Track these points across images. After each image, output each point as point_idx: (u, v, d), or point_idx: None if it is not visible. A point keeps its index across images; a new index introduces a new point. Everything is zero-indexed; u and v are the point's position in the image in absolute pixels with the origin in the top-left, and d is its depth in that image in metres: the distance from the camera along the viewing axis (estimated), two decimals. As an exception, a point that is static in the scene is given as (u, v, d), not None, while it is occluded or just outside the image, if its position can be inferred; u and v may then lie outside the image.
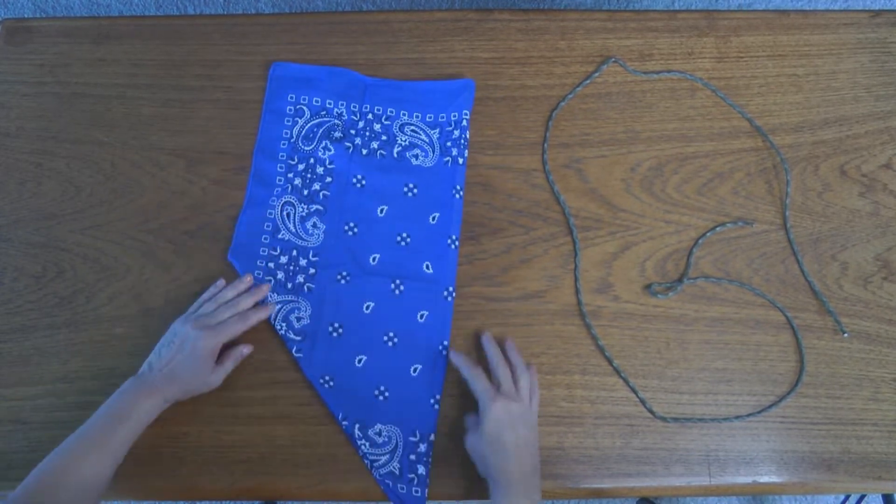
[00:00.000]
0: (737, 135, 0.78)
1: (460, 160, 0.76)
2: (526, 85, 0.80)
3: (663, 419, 0.67)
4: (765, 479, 0.66)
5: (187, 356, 0.62)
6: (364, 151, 0.76)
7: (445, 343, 0.69)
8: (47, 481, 0.53)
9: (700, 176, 0.76)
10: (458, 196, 0.74)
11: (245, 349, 0.67)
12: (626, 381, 0.68)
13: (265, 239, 0.73)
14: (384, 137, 0.77)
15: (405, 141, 0.77)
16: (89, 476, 0.55)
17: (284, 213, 0.74)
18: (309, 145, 0.76)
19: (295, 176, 0.75)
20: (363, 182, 0.75)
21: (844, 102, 0.80)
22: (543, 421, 0.66)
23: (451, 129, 0.77)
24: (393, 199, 0.75)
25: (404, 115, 0.78)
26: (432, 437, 0.66)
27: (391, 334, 0.69)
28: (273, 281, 0.71)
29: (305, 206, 0.74)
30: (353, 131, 0.77)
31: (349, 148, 0.76)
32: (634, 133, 0.78)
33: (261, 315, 0.68)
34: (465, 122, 0.77)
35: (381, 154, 0.76)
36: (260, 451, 0.65)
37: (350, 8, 1.22)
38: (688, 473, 0.66)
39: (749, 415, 0.67)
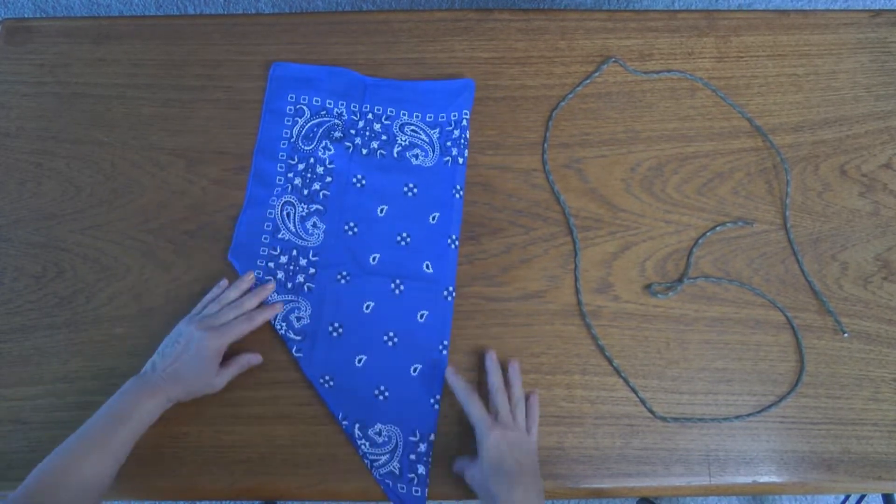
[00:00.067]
0: (737, 135, 0.78)
1: (460, 160, 0.76)
2: (526, 85, 0.80)
3: (663, 419, 0.67)
4: (765, 479, 0.66)
5: (192, 357, 0.62)
6: (364, 151, 0.76)
7: (445, 343, 0.69)
8: (47, 481, 0.53)
9: (700, 176, 0.76)
10: (458, 196, 0.74)
11: (253, 359, 0.66)
12: (626, 381, 0.68)
13: (265, 239, 0.73)
14: (384, 137, 0.77)
15: (405, 141, 0.77)
16: (90, 476, 0.54)
17: (284, 212, 0.74)
18: (309, 145, 0.77)
19: (295, 176, 0.75)
20: (363, 182, 0.75)
21: (844, 102, 0.80)
22: (543, 421, 0.67)
23: (451, 128, 0.77)
24: (393, 198, 0.75)
25: (404, 114, 0.78)
26: (432, 436, 0.66)
27: (391, 334, 0.69)
28: (273, 281, 0.71)
29: (305, 206, 0.74)
30: (353, 131, 0.77)
31: (349, 148, 0.76)
32: (634, 133, 0.78)
33: (267, 315, 0.68)
34: (465, 122, 0.77)
35: (381, 154, 0.76)
36: (260, 451, 0.65)
37: (350, 8, 1.22)
38: (688, 473, 0.66)
39: (749, 415, 0.67)
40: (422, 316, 0.70)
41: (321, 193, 0.75)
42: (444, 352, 0.69)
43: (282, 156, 0.76)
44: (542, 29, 0.83)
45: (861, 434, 0.67)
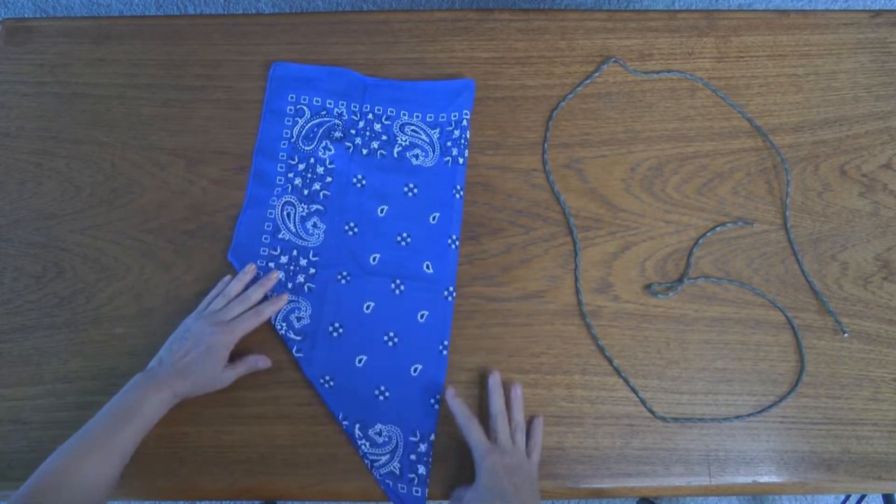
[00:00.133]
0: (737, 135, 0.78)
1: (460, 160, 0.76)
2: (526, 85, 0.80)
3: (663, 419, 0.67)
4: (765, 479, 0.66)
5: (202, 353, 0.62)
6: (364, 151, 0.76)
7: (446, 343, 0.69)
8: (50, 482, 0.53)
9: (700, 176, 0.76)
10: (458, 196, 0.74)
11: (261, 361, 0.66)
12: (626, 381, 0.68)
13: (265, 239, 0.73)
14: (384, 137, 0.77)
15: (405, 141, 0.77)
16: (92, 476, 0.54)
17: (284, 212, 0.74)
18: (309, 145, 0.76)
19: (295, 176, 0.75)
20: (363, 182, 0.75)
21: (844, 102, 0.80)
22: (544, 421, 0.66)
23: (451, 128, 0.77)
24: (393, 198, 0.75)
25: (404, 114, 0.78)
26: (432, 437, 0.66)
27: (391, 334, 0.69)
28: (276, 270, 0.71)
29: (305, 206, 0.74)
30: (353, 131, 0.77)
31: (349, 148, 0.76)
32: (634, 133, 0.78)
33: (274, 307, 0.68)
34: (465, 122, 0.77)
35: (381, 154, 0.76)
36: (260, 451, 0.65)
37: (350, 8, 1.22)
38: (688, 473, 0.66)
39: (749, 415, 0.67)
40: (422, 316, 0.70)
41: (321, 193, 0.75)
42: (445, 352, 0.69)
43: (282, 156, 0.76)
44: (542, 29, 0.83)
45: (861, 434, 0.67)
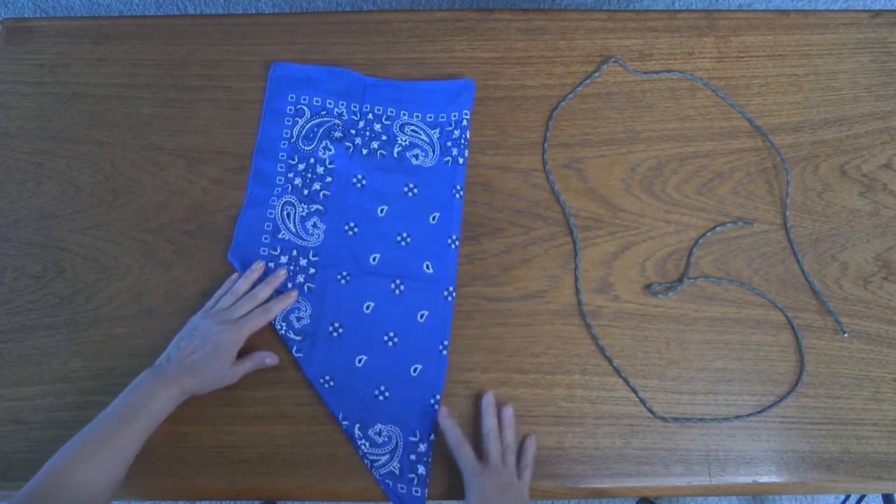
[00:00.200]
0: (737, 135, 0.78)
1: (460, 160, 0.76)
2: (526, 85, 0.80)
3: (663, 419, 0.67)
4: (765, 479, 0.66)
5: (211, 350, 0.62)
6: (364, 151, 0.76)
7: (446, 343, 0.69)
8: (53, 482, 0.53)
9: (700, 176, 0.76)
10: (458, 196, 0.74)
11: (269, 358, 0.66)
12: (626, 381, 0.68)
13: (265, 239, 0.73)
14: (384, 137, 0.77)
15: (405, 141, 0.77)
16: (96, 476, 0.54)
17: (284, 212, 0.74)
18: (309, 145, 0.76)
19: (295, 176, 0.75)
20: (363, 182, 0.75)
21: (844, 102, 0.80)
22: (544, 421, 0.67)
23: (451, 128, 0.77)
24: (393, 198, 0.75)
25: (404, 114, 0.78)
26: (432, 437, 0.66)
27: (391, 334, 0.69)
28: (284, 268, 0.71)
29: (305, 206, 0.74)
30: (353, 131, 0.77)
31: (349, 148, 0.76)
32: (634, 133, 0.78)
33: (283, 305, 0.68)
34: (465, 122, 0.77)
35: (381, 154, 0.76)
36: (260, 451, 0.65)
37: (350, 8, 1.22)
38: (688, 473, 0.66)
39: (749, 415, 0.67)
40: (422, 316, 0.70)
41: (321, 193, 0.75)
42: (445, 352, 0.69)
43: (282, 156, 0.76)
44: (542, 29, 0.83)
45: (861, 434, 0.67)
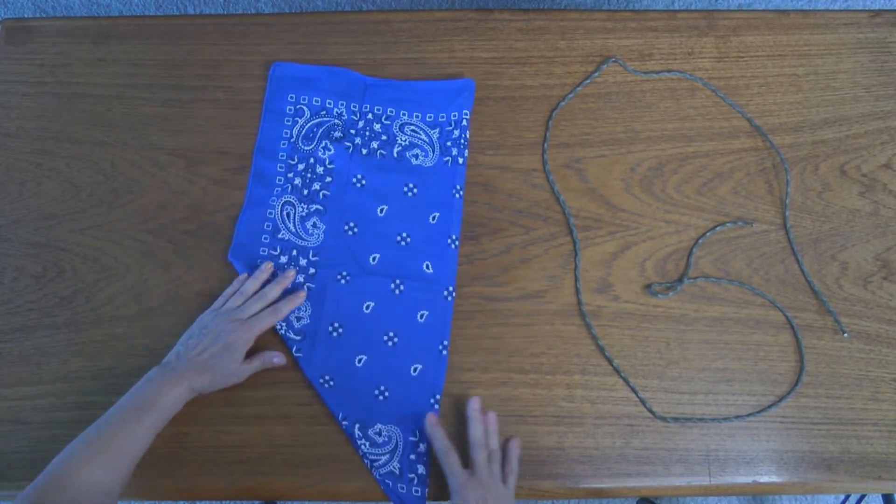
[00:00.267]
0: (737, 135, 0.78)
1: (460, 160, 0.76)
2: (526, 85, 0.80)
3: (663, 419, 0.67)
4: (765, 479, 0.66)
5: (221, 349, 0.62)
6: (364, 151, 0.76)
7: (445, 343, 0.69)
8: (57, 482, 0.52)
9: (700, 176, 0.76)
10: (458, 196, 0.74)
11: (276, 358, 0.67)
12: (626, 381, 0.68)
13: (265, 239, 0.73)
14: (384, 137, 0.77)
15: (405, 141, 0.77)
16: (102, 477, 0.53)
17: (284, 212, 0.74)
18: (309, 145, 0.77)
19: (295, 176, 0.75)
20: (363, 182, 0.75)
21: (844, 102, 0.80)
22: (544, 421, 0.67)
23: (451, 128, 0.77)
24: (393, 198, 0.75)
25: (404, 114, 0.78)
26: (432, 436, 0.66)
27: (391, 334, 0.69)
28: (293, 268, 0.71)
29: (305, 206, 0.74)
30: (353, 131, 0.77)
31: (349, 148, 0.76)
32: (634, 133, 0.78)
33: (292, 305, 0.68)
34: (465, 122, 0.77)
35: (381, 154, 0.76)
36: (260, 451, 0.65)
37: (350, 8, 1.22)
38: (688, 473, 0.66)
39: (749, 415, 0.67)
40: (422, 316, 0.70)
41: (321, 193, 0.75)
42: (444, 352, 0.69)
43: (282, 156, 0.76)
44: (542, 29, 0.83)
45: (861, 434, 0.67)
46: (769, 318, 0.71)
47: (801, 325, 0.70)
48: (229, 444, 0.66)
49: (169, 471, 0.65)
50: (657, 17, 0.83)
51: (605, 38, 0.82)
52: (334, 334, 0.69)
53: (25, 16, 1.27)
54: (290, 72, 0.79)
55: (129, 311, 0.70)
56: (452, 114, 0.77)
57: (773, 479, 0.66)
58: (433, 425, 0.64)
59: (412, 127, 0.78)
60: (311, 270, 0.71)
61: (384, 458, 0.65)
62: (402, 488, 0.64)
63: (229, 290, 0.69)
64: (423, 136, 0.77)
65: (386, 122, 0.78)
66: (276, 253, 0.72)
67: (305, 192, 0.75)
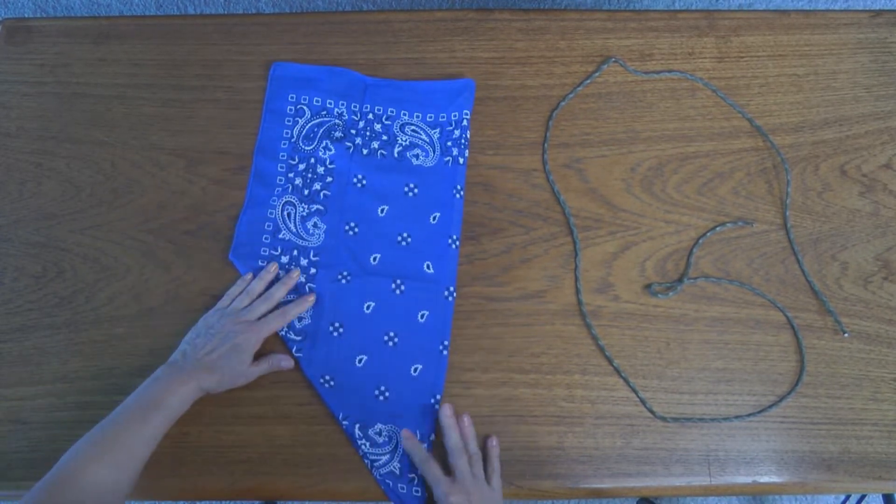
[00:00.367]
0: (737, 135, 0.78)
1: (461, 160, 0.76)
2: (526, 85, 0.80)
3: (663, 419, 0.67)
4: (765, 479, 0.66)
5: (230, 350, 0.63)
6: (364, 151, 0.76)
7: (446, 343, 0.69)
8: (63, 482, 0.52)
9: (700, 176, 0.76)
10: (458, 196, 0.74)
11: (284, 361, 0.67)
12: (626, 381, 0.68)
13: (266, 239, 0.73)
14: (385, 137, 0.77)
15: (405, 141, 0.77)
16: (107, 477, 0.53)
17: (285, 212, 0.74)
18: (309, 145, 0.76)
19: (295, 176, 0.75)
20: (364, 182, 0.75)
21: (844, 102, 0.80)
22: (544, 421, 0.67)
23: (451, 128, 0.77)
24: (393, 198, 0.75)
25: (405, 114, 0.78)
26: (432, 436, 0.66)
27: (391, 334, 0.69)
28: (298, 268, 0.71)
29: (306, 206, 0.74)
30: (353, 131, 0.77)
31: (349, 148, 0.76)
32: (634, 133, 0.78)
33: (300, 308, 0.68)
34: (465, 122, 0.77)
35: (381, 154, 0.76)
36: (260, 451, 0.65)
37: (350, 8, 1.22)
38: (688, 473, 0.66)
39: (749, 415, 0.67)
40: (422, 316, 0.70)
41: (322, 193, 0.75)
42: (445, 352, 0.69)
43: (282, 156, 0.76)
44: (542, 29, 0.83)
45: (861, 434, 0.67)
46: (769, 318, 0.71)
47: (802, 325, 0.70)
48: (229, 444, 0.66)
49: (169, 471, 0.65)
50: (657, 17, 0.83)
51: (606, 38, 0.82)
52: (335, 334, 0.69)
53: (26, 16, 1.27)
54: (291, 72, 0.79)
55: (130, 311, 0.70)
56: (453, 114, 0.77)
57: (773, 479, 0.66)
58: (407, 439, 0.64)
59: (413, 127, 0.78)
60: (312, 270, 0.71)
61: (384, 458, 0.65)
62: (403, 488, 0.64)
63: (234, 290, 0.69)
64: (424, 136, 0.77)
65: (386, 122, 0.78)
66: (276, 253, 0.72)
67: (306, 192, 0.75)
